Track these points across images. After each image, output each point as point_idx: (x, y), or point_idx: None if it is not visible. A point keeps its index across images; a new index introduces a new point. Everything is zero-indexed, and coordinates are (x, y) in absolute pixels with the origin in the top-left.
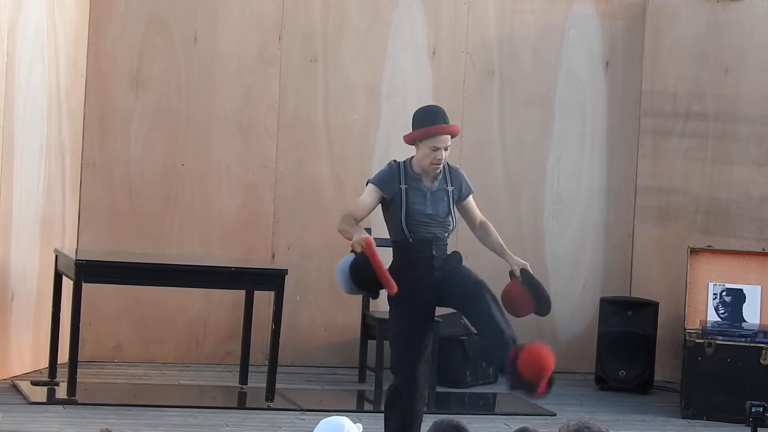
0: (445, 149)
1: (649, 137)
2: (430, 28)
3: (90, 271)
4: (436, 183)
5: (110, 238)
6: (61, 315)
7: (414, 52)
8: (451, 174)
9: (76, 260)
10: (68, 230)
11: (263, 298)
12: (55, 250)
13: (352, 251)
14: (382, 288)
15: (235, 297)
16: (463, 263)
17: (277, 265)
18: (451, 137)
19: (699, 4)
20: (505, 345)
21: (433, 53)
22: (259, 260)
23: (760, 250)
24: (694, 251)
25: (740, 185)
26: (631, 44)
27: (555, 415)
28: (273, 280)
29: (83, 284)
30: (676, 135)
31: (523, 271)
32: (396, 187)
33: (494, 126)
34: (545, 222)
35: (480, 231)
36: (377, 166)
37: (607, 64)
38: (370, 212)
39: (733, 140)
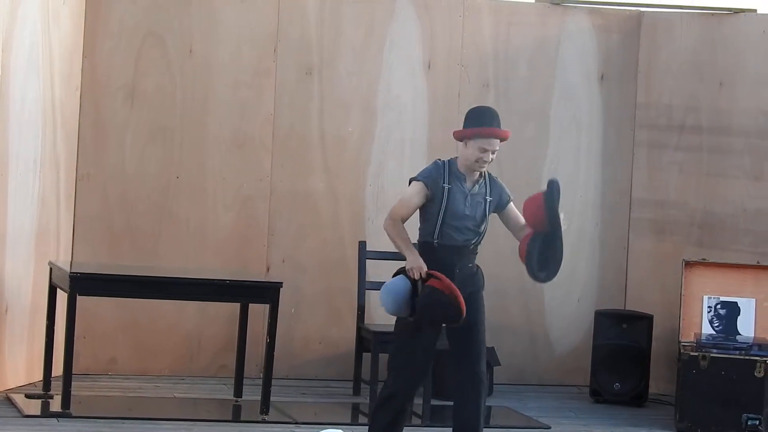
0: (493, 152)
1: (644, 150)
2: (425, 41)
3: (84, 284)
4: (477, 187)
5: (105, 251)
6: (55, 328)
7: (409, 65)
8: (491, 183)
9: (71, 273)
10: (63, 243)
11: (258, 311)
12: (50, 263)
13: (403, 273)
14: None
15: (230, 310)
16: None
17: (272, 278)
18: (500, 142)
19: (694, 17)
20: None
21: (428, 66)
22: (254, 273)
23: (755, 263)
24: (688, 264)
25: (735, 198)
26: (626, 58)
27: (550, 428)
28: (268, 293)
29: (78, 297)
30: (671, 148)
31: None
32: (440, 184)
33: None
34: None
35: (521, 235)
36: (372, 179)
37: (602, 77)
38: (415, 210)
39: (727, 153)
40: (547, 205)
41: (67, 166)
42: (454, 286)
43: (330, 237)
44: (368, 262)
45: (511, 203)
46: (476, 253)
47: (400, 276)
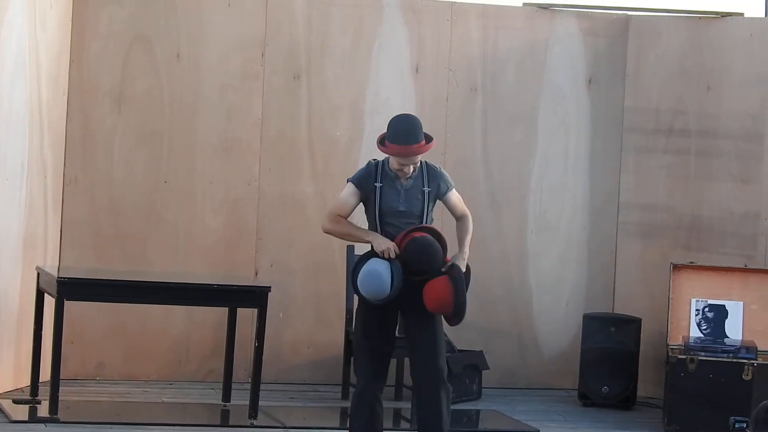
0: (413, 164)
1: (632, 154)
2: (413, 45)
3: (72, 289)
4: (411, 181)
5: (93, 256)
6: (43, 333)
7: (397, 69)
8: (429, 173)
9: (58, 278)
10: (50, 248)
11: (246, 316)
12: (37, 268)
13: (373, 257)
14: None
15: (218, 315)
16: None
17: (261, 282)
18: (419, 155)
19: (681, 21)
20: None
21: (417, 70)
22: (242, 277)
23: (743, 266)
24: (676, 267)
25: (722, 202)
26: (614, 61)
27: (538, 431)
28: (256, 297)
29: (65, 302)
30: (658, 152)
31: (452, 266)
32: (371, 184)
33: (477, 143)
34: (528, 238)
35: (457, 225)
36: None
37: (589, 81)
38: (353, 210)
39: (715, 157)
40: (455, 294)
41: (55, 170)
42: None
43: (318, 241)
44: None
45: (450, 192)
46: None
47: (375, 259)
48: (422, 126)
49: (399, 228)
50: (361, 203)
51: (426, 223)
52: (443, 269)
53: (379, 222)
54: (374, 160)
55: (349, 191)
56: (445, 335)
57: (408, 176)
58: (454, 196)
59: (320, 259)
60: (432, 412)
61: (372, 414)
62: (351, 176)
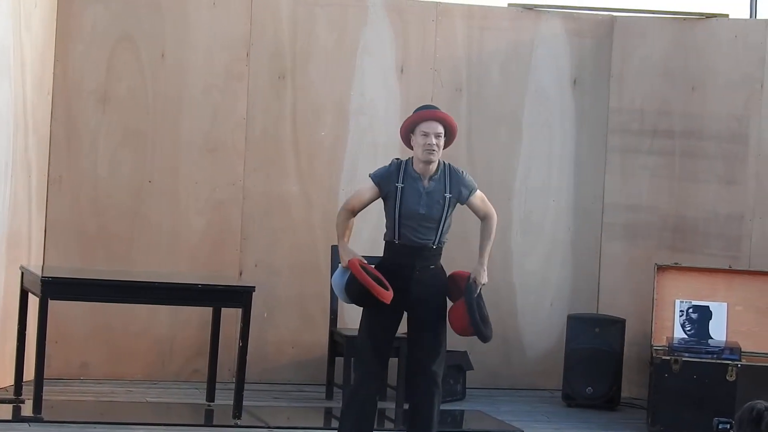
0: (437, 136)
1: (617, 155)
2: (398, 46)
3: (56, 289)
4: (433, 184)
5: (77, 256)
6: (26, 332)
7: (382, 70)
8: (451, 178)
9: (42, 277)
10: (34, 247)
11: (231, 316)
12: (21, 267)
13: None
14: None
15: (203, 314)
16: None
17: (245, 282)
18: (443, 125)
19: (666, 22)
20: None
21: (401, 71)
22: (227, 277)
23: (727, 267)
24: (661, 268)
25: (707, 202)
26: (599, 62)
27: (522, 431)
28: (240, 297)
29: (49, 301)
30: (643, 153)
31: (468, 288)
32: (393, 184)
33: (462, 143)
34: (513, 239)
35: (480, 226)
36: (346, 184)
37: (574, 81)
38: (366, 206)
39: (700, 158)
40: (470, 315)
41: (39, 169)
42: (365, 276)
43: (303, 241)
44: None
45: (473, 196)
46: (439, 255)
47: (340, 268)
48: None
49: (416, 231)
50: (381, 200)
51: (442, 231)
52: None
53: (398, 223)
54: (397, 159)
55: (366, 186)
56: None
57: (433, 157)
58: (477, 198)
59: (305, 259)
60: (423, 415)
61: (363, 413)
62: (372, 172)
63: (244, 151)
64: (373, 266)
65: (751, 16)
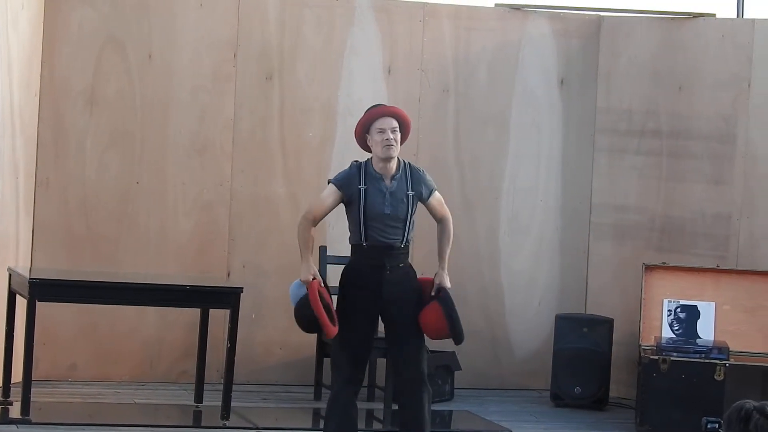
0: (393, 131)
1: (604, 155)
2: (385, 47)
3: (44, 290)
4: (395, 183)
5: (65, 257)
6: (14, 334)
7: (369, 70)
8: (413, 176)
9: (30, 279)
10: (22, 249)
11: (218, 317)
12: (9, 269)
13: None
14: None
15: (191, 316)
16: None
17: (233, 283)
18: (396, 120)
19: (653, 22)
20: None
21: (389, 71)
22: (215, 279)
23: (714, 266)
24: (648, 268)
25: (694, 202)
26: (586, 62)
27: (511, 431)
28: (228, 298)
29: (37, 303)
30: (630, 153)
31: (440, 293)
32: (355, 187)
33: (450, 144)
34: (501, 239)
35: (438, 229)
36: None
37: (562, 81)
38: (329, 212)
39: (687, 158)
40: (446, 315)
41: (27, 171)
42: (319, 306)
43: (290, 242)
44: (328, 267)
45: (432, 196)
46: (407, 253)
47: (297, 282)
48: None
49: (383, 231)
50: (343, 205)
51: (408, 229)
52: (432, 293)
53: (364, 225)
54: (356, 161)
55: (328, 192)
56: None
57: (392, 152)
58: (435, 200)
59: (292, 260)
60: (415, 416)
61: (346, 417)
62: (333, 177)
63: (231, 152)
64: (329, 294)
65: (738, 16)
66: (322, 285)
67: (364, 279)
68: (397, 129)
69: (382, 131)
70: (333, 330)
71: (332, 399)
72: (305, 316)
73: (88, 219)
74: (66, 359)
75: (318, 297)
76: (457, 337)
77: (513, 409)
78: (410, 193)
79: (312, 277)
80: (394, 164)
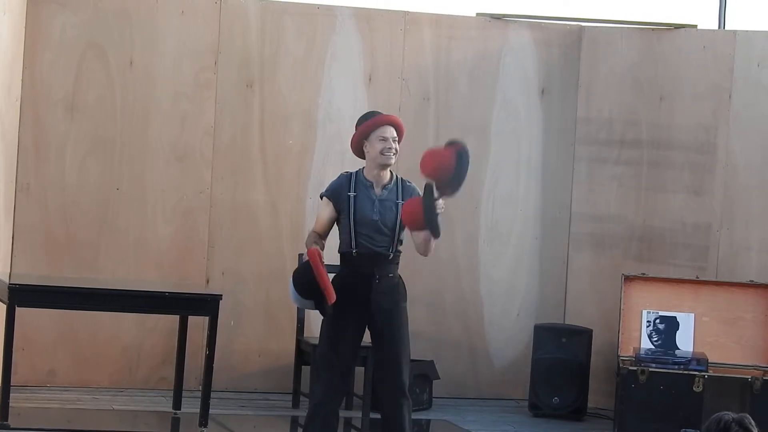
0: (394, 140)
1: (584, 164)
2: (366, 54)
3: (24, 296)
4: (386, 192)
5: (44, 263)
6: None
7: (350, 78)
8: (404, 189)
9: (10, 284)
10: (1, 254)
11: (197, 324)
12: None
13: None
14: (324, 298)
15: (170, 322)
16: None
17: (212, 290)
18: (396, 130)
19: (634, 32)
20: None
21: (369, 79)
22: (194, 285)
23: (694, 278)
24: (628, 278)
25: (674, 213)
26: (567, 72)
27: None
28: (207, 305)
29: (16, 309)
30: (610, 162)
31: (428, 188)
32: (345, 194)
33: None
34: (480, 248)
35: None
36: (313, 192)
37: (542, 91)
38: (330, 224)
39: (667, 168)
40: (425, 207)
41: (7, 177)
42: (321, 268)
43: (270, 250)
44: None
45: None
46: (397, 263)
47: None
48: None
49: (372, 239)
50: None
51: (397, 239)
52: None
53: (354, 232)
54: (346, 171)
55: (322, 206)
56: None
57: (391, 159)
58: None
59: (272, 267)
60: (395, 427)
61: (325, 426)
62: (323, 190)
63: (211, 159)
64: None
65: (719, 27)
66: (323, 258)
67: (353, 287)
68: (397, 140)
69: (384, 139)
70: (333, 296)
71: (313, 408)
72: (306, 281)
73: (68, 225)
74: (45, 365)
75: (319, 262)
76: (435, 230)
77: (491, 419)
78: (400, 201)
79: (315, 246)
80: (387, 174)
